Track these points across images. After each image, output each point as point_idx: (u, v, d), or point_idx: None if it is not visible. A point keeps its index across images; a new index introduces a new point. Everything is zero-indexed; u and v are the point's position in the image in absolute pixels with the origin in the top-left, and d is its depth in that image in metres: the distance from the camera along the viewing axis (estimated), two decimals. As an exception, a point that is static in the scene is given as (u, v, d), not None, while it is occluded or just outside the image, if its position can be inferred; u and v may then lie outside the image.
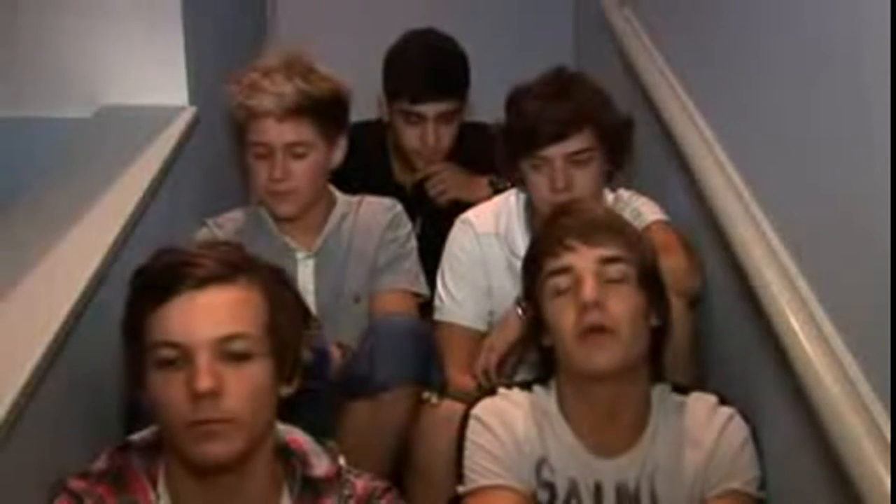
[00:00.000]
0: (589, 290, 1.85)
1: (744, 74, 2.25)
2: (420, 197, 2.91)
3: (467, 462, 1.91)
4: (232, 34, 3.36)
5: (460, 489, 1.91)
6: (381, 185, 2.76)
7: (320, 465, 1.68)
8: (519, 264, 2.28)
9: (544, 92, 2.34)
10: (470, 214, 2.54)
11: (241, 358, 1.57)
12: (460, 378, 2.36)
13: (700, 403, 1.96)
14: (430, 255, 2.57)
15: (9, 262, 2.01)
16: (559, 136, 2.30)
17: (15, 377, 1.68)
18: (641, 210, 2.43)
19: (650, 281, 1.93)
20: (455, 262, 2.50)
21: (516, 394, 1.97)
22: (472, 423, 1.93)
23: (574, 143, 2.31)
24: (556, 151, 2.31)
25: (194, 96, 2.72)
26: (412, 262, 2.50)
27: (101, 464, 1.64)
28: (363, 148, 2.77)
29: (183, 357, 1.55)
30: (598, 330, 1.84)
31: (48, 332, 1.81)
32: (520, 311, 2.25)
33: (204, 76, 2.80)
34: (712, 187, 2.28)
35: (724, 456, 1.91)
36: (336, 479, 1.68)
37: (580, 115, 2.31)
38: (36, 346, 1.76)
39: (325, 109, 2.38)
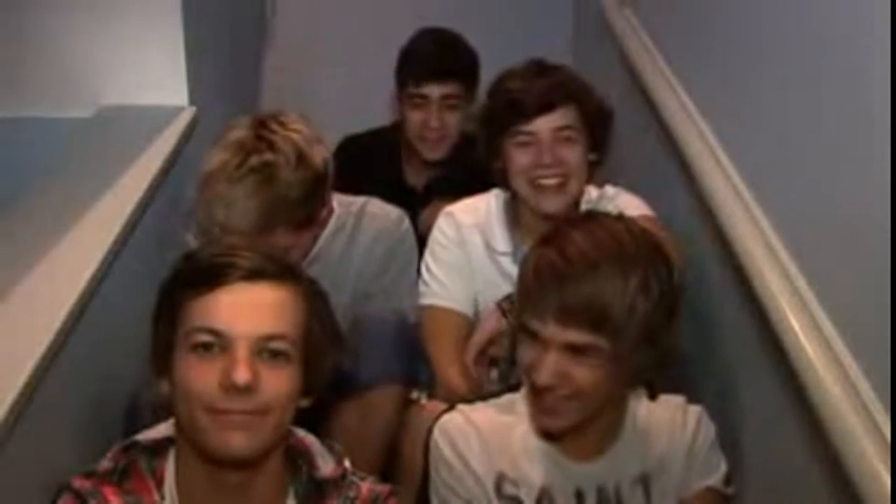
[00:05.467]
0: (544, 376, 1.75)
1: (744, 74, 2.25)
2: (430, 198, 2.93)
3: (430, 484, 1.91)
4: (232, 34, 3.36)
5: None
6: (393, 188, 2.79)
7: (326, 467, 1.68)
8: (497, 259, 2.40)
9: (529, 70, 2.40)
10: (453, 208, 2.55)
11: (277, 358, 1.57)
12: (448, 367, 2.34)
13: (671, 403, 1.95)
14: None
15: (9, 262, 2.00)
16: (546, 107, 2.33)
17: (15, 377, 1.67)
18: (625, 205, 2.42)
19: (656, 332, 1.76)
20: (438, 247, 2.51)
21: (478, 408, 1.92)
22: (431, 444, 1.91)
23: (560, 117, 2.34)
24: (543, 124, 2.33)
25: (194, 96, 2.72)
26: (409, 283, 2.48)
27: (106, 463, 1.64)
28: (375, 154, 2.82)
29: (221, 346, 1.55)
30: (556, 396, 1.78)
31: (48, 332, 1.80)
32: (500, 310, 2.27)
33: (204, 76, 2.80)
34: (712, 187, 2.28)
35: (700, 454, 1.93)
36: (341, 480, 1.69)
37: (565, 90, 2.35)
38: (36, 346, 1.76)
39: None
